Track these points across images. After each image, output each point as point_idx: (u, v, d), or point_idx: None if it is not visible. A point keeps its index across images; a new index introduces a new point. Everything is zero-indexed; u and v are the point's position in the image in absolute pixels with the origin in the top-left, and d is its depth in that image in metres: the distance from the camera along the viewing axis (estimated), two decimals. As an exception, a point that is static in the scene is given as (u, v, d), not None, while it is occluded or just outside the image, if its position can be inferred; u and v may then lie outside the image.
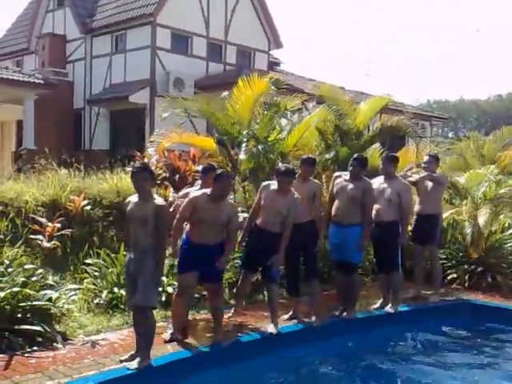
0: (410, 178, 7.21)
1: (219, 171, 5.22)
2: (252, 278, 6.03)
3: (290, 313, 6.06)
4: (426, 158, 7.25)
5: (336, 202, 6.18)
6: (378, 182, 6.58)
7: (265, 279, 5.85)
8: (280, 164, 6.06)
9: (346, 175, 6.24)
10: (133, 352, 4.62)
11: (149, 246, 4.45)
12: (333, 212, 6.19)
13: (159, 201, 4.55)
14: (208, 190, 5.07)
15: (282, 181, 5.54)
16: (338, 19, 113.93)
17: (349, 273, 6.21)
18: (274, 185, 5.69)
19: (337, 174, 6.51)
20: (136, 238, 4.52)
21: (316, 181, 6.26)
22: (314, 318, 5.99)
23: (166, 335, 5.14)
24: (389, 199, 6.41)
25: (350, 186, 6.11)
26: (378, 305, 6.71)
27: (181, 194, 6.04)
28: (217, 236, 5.07)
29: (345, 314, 6.27)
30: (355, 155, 6.44)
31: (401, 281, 6.66)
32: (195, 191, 5.41)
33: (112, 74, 19.44)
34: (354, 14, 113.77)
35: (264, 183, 5.91)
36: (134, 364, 4.44)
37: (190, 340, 5.19)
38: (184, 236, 5.17)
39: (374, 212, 6.46)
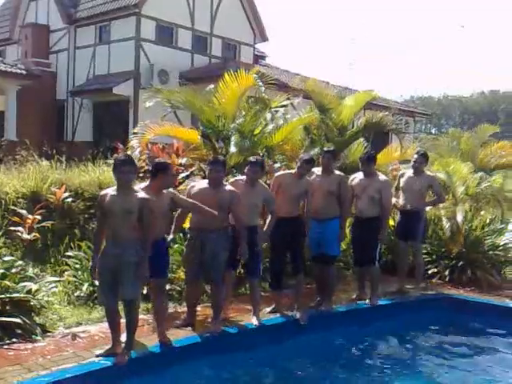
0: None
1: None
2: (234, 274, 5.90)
3: (273, 306, 6.06)
4: (415, 157, 7.19)
5: (313, 198, 6.16)
6: (358, 178, 6.63)
7: (247, 274, 5.82)
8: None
9: (318, 171, 6.27)
10: (109, 346, 4.58)
11: (131, 239, 4.39)
12: (311, 208, 6.20)
13: (142, 193, 4.49)
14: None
15: (247, 170, 5.56)
16: (331, 20, 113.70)
17: (327, 265, 6.24)
18: (241, 180, 5.68)
19: None
20: (116, 231, 4.41)
21: (309, 179, 6.16)
22: (297, 314, 5.94)
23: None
24: (371, 197, 6.44)
25: (325, 180, 6.15)
26: (354, 297, 6.76)
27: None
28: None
29: (322, 307, 6.27)
30: (326, 148, 6.51)
31: (378, 274, 6.71)
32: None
33: (96, 66, 19.27)
34: (348, 15, 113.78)
35: (230, 180, 5.86)
36: (116, 357, 4.41)
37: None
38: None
39: (356, 208, 6.51)
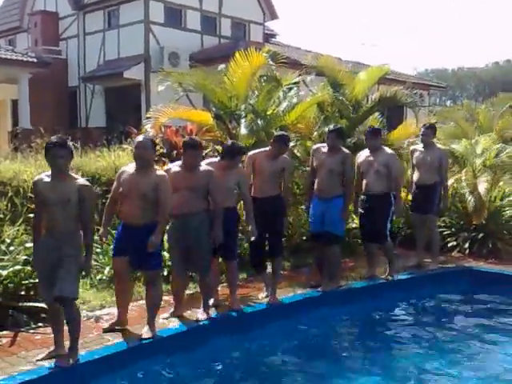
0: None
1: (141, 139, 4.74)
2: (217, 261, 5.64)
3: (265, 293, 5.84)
4: (422, 130, 7.22)
5: (317, 176, 6.12)
6: (364, 155, 6.59)
7: (224, 257, 5.56)
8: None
9: (325, 147, 6.16)
10: (52, 348, 4.25)
11: (70, 231, 4.05)
12: (315, 186, 6.13)
13: (82, 180, 4.16)
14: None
15: (224, 161, 5.29)
16: None
17: (330, 244, 6.06)
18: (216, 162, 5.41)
19: (315, 146, 6.40)
20: (53, 222, 4.04)
21: (286, 157, 5.90)
22: (264, 295, 5.79)
23: (106, 324, 4.85)
24: (377, 170, 6.40)
25: (329, 158, 6.04)
26: (366, 274, 6.71)
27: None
28: (144, 214, 4.54)
29: (322, 287, 6.10)
30: (330, 127, 6.36)
31: (392, 249, 6.69)
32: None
33: (106, 51, 19.25)
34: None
35: (204, 161, 5.36)
36: (59, 360, 4.10)
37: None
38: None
39: (363, 184, 6.48)
